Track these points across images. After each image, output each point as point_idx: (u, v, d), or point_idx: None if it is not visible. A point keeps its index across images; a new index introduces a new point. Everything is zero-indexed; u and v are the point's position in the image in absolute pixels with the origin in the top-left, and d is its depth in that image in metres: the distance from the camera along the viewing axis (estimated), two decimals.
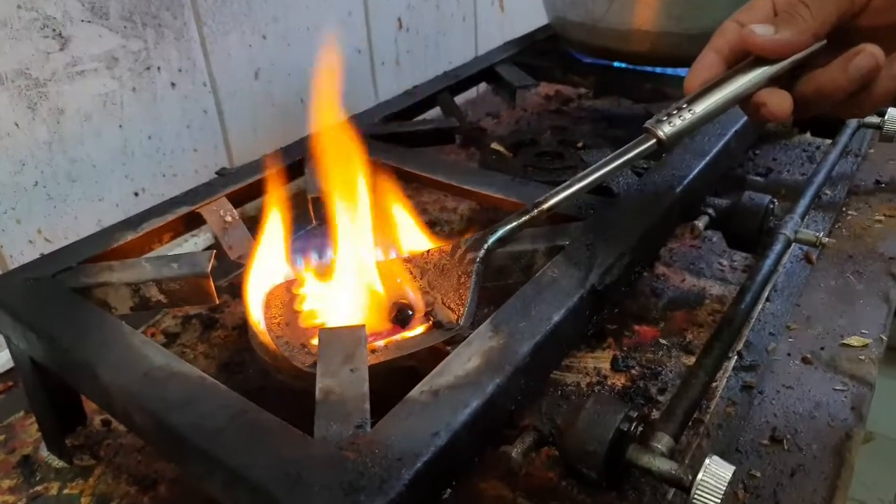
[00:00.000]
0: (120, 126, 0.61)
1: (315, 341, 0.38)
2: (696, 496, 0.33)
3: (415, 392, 0.32)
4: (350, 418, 0.31)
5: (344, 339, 0.35)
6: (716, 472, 0.33)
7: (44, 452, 0.47)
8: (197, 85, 0.66)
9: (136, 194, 0.64)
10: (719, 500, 0.33)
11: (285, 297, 0.42)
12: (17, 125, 0.54)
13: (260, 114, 0.72)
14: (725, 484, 0.33)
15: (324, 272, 0.42)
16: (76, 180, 0.59)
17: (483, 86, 0.90)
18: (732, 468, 0.33)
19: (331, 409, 0.31)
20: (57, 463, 0.46)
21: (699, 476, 0.33)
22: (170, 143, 0.65)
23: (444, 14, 0.93)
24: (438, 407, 0.31)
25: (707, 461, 0.33)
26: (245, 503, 0.29)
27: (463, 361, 0.33)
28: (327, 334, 0.36)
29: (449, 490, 0.31)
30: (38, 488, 0.44)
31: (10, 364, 0.56)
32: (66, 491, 0.44)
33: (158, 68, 0.62)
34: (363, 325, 0.36)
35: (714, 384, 0.48)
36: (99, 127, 0.59)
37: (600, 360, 0.50)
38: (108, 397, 0.34)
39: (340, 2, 0.78)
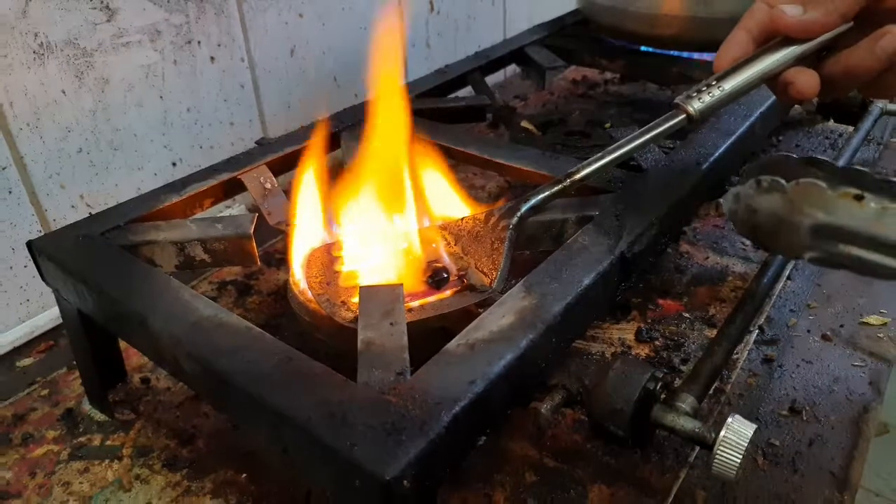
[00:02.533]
0: (161, 97, 0.63)
1: (355, 299, 0.40)
2: (718, 452, 0.34)
3: (452, 345, 0.33)
4: (391, 366, 0.32)
5: (383, 296, 0.37)
6: (738, 430, 0.34)
7: (86, 406, 0.49)
8: (235, 60, 0.68)
9: (174, 164, 0.65)
10: (741, 457, 0.34)
11: (326, 259, 0.44)
12: (64, 93, 0.56)
13: (294, 90, 0.74)
14: (747, 441, 0.34)
15: (363, 236, 0.44)
16: (118, 149, 0.61)
17: (511, 70, 0.91)
18: (754, 426, 0.34)
19: (372, 358, 0.33)
20: (99, 416, 0.48)
21: (722, 433, 0.34)
22: (207, 115, 0.67)
23: None
24: (475, 358, 0.32)
25: (729, 419, 0.35)
26: (291, 444, 0.31)
27: (497, 318, 0.35)
28: (367, 291, 0.38)
29: (483, 438, 0.32)
30: (82, 439, 0.47)
31: (52, 324, 0.58)
32: (108, 443, 0.46)
33: (199, 42, 0.64)
34: (401, 284, 0.38)
35: (736, 356, 0.49)
36: (141, 97, 0.61)
37: (625, 332, 0.52)
38: (158, 346, 0.36)
39: None
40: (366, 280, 0.41)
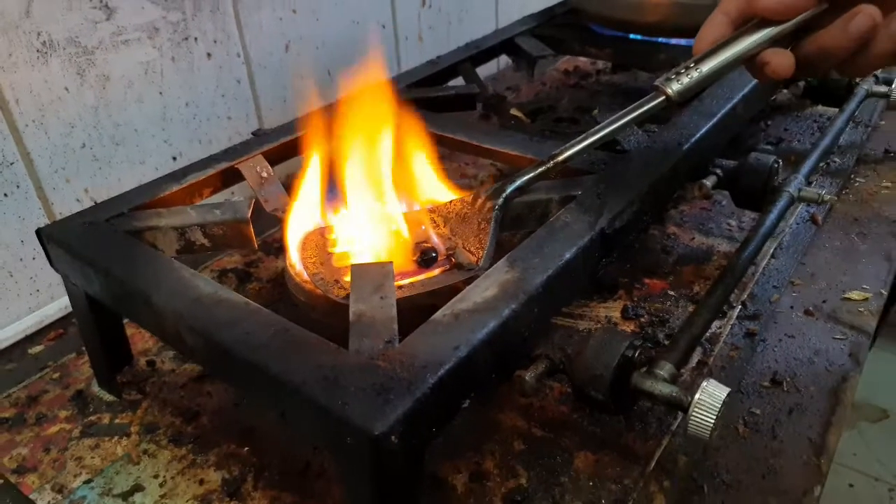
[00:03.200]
0: (160, 93, 0.65)
1: (347, 278, 0.42)
2: (693, 414, 0.36)
3: (437, 315, 0.35)
4: (380, 335, 0.34)
5: (374, 273, 0.39)
6: (712, 392, 0.36)
7: (95, 388, 0.51)
8: (231, 56, 0.69)
9: (174, 158, 0.67)
10: (714, 418, 0.36)
11: (319, 242, 0.45)
12: (67, 90, 0.58)
13: (289, 84, 0.76)
14: (721, 402, 0.36)
15: (354, 220, 0.46)
16: (120, 143, 0.63)
17: (503, 62, 0.93)
18: (728, 389, 0.36)
19: (363, 328, 0.35)
20: (107, 397, 0.50)
21: (696, 396, 0.36)
22: (205, 110, 0.69)
23: None
24: (459, 326, 0.34)
25: (704, 383, 0.36)
26: (288, 407, 0.33)
27: (481, 290, 0.37)
28: (359, 268, 0.39)
29: (467, 401, 0.34)
30: (92, 418, 0.49)
31: (61, 313, 0.61)
32: (116, 421, 0.48)
33: (196, 39, 0.66)
34: (391, 262, 0.40)
35: (719, 331, 0.51)
36: (141, 93, 0.63)
37: (611, 310, 0.54)
38: (161, 321, 0.38)
39: None
40: (358, 260, 0.43)
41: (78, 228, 0.44)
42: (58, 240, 0.44)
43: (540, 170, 0.45)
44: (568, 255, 0.39)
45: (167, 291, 0.38)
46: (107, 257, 0.41)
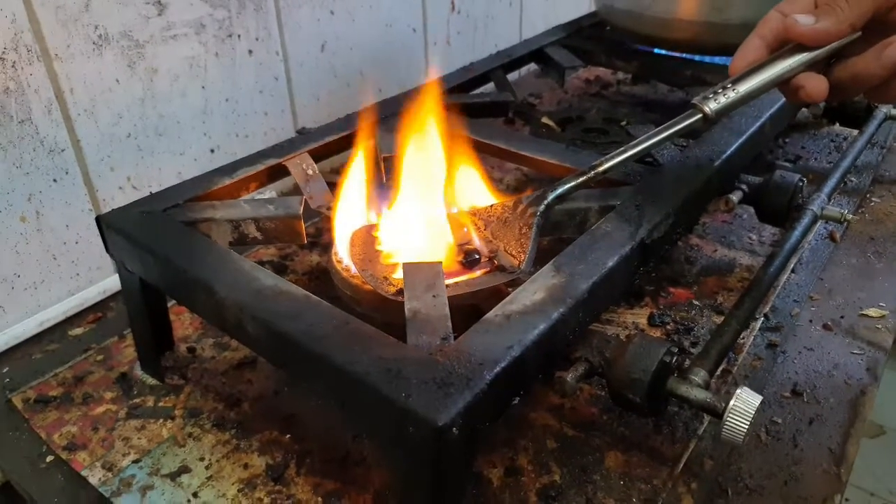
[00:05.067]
0: (203, 87, 0.66)
1: (396, 275, 0.44)
2: (728, 419, 0.38)
3: (489, 315, 0.37)
4: (436, 332, 0.36)
5: (425, 272, 0.41)
6: (746, 399, 0.38)
7: (138, 371, 0.53)
8: (271, 53, 0.71)
9: (212, 151, 0.69)
10: (748, 424, 0.38)
11: (367, 239, 0.47)
12: (117, 81, 0.60)
13: (324, 83, 0.78)
14: (754, 409, 0.38)
15: (401, 219, 0.48)
16: (162, 134, 0.65)
17: (525, 68, 0.95)
18: (760, 397, 0.38)
19: (419, 324, 0.37)
20: (150, 381, 0.52)
21: (731, 402, 0.38)
22: (244, 105, 0.70)
23: None
24: (511, 327, 0.36)
25: (738, 390, 0.38)
26: (349, 397, 0.35)
27: (530, 294, 0.38)
28: (410, 267, 0.41)
29: (517, 398, 0.36)
30: (137, 400, 0.50)
31: (100, 297, 0.62)
32: (160, 404, 0.50)
33: (239, 36, 0.68)
34: (440, 262, 0.42)
35: (742, 341, 0.53)
36: (185, 87, 0.65)
37: (638, 317, 0.56)
38: (222, 311, 0.40)
39: None
40: (405, 259, 0.45)
41: (136, 217, 0.46)
42: (117, 227, 0.46)
43: (581, 179, 0.47)
44: (610, 263, 0.41)
45: (229, 282, 0.40)
46: (167, 246, 0.43)
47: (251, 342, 0.39)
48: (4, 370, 0.55)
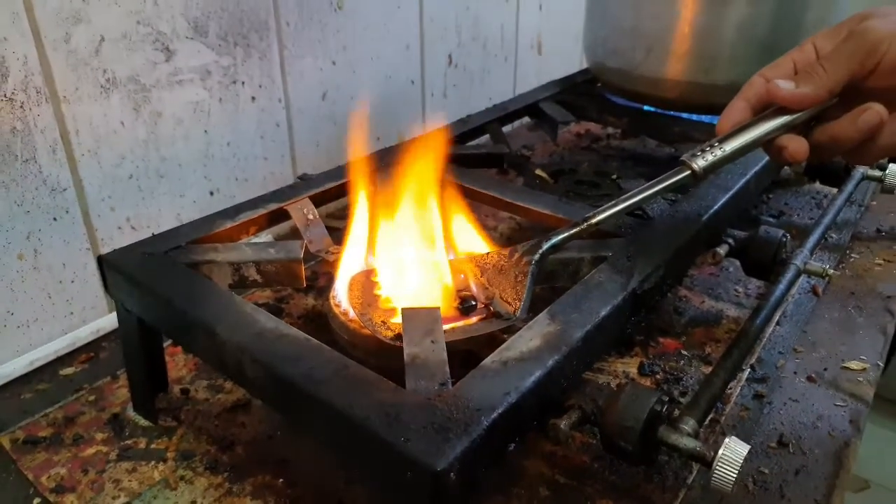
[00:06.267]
0: (205, 131, 0.68)
1: (394, 320, 0.45)
2: (717, 468, 0.39)
3: (487, 361, 0.38)
4: (435, 377, 0.37)
5: (423, 317, 0.42)
6: (734, 449, 0.39)
7: (130, 413, 0.53)
8: (273, 100, 0.73)
9: (212, 193, 0.70)
10: (736, 473, 0.38)
11: (365, 284, 0.48)
12: (122, 124, 0.61)
13: (323, 131, 0.80)
14: (742, 458, 0.38)
15: (399, 265, 0.49)
16: (164, 176, 0.66)
17: (518, 120, 0.98)
18: (748, 446, 0.39)
19: (417, 369, 0.37)
20: (143, 422, 0.52)
21: (720, 451, 0.39)
22: (245, 150, 0.72)
23: (489, 54, 1.02)
24: (508, 374, 0.37)
25: (727, 440, 0.39)
26: (348, 441, 0.35)
27: (526, 341, 0.39)
28: (409, 312, 0.42)
29: (513, 444, 0.37)
30: (128, 442, 0.50)
31: (92, 337, 0.62)
32: (153, 446, 0.50)
33: (243, 83, 0.70)
34: (438, 308, 0.43)
35: (729, 391, 0.54)
36: (188, 131, 0.66)
37: (628, 366, 0.57)
38: (222, 352, 0.40)
39: (400, 36, 0.86)
40: (403, 304, 0.46)
41: (138, 258, 0.47)
42: (118, 268, 0.46)
43: (574, 230, 0.48)
44: (603, 312, 0.42)
45: (230, 324, 0.40)
46: (168, 288, 0.44)
47: (250, 385, 0.40)
48: None
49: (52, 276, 0.59)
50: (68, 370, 0.59)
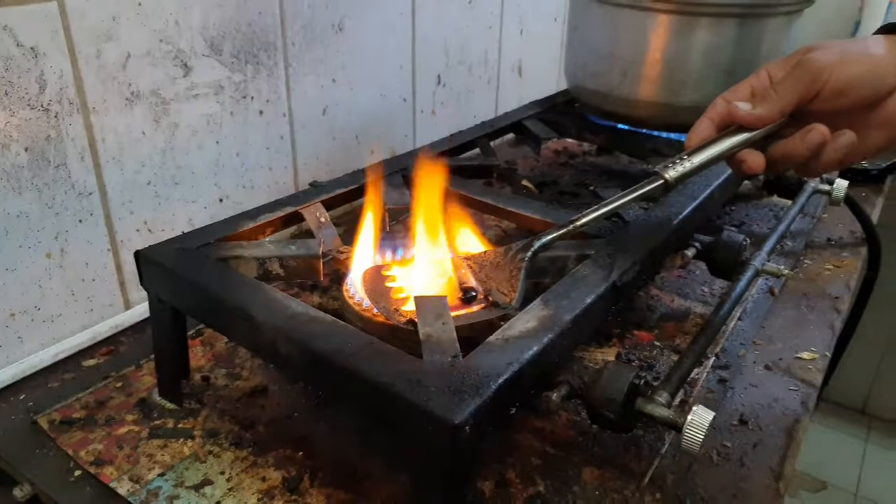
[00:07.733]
0: (217, 142, 0.73)
1: (406, 308, 0.50)
2: (686, 432, 0.45)
3: (492, 338, 0.44)
4: (447, 351, 0.43)
5: (433, 303, 0.48)
6: (701, 415, 0.45)
7: (156, 397, 0.58)
8: (278, 115, 0.79)
9: (221, 200, 0.76)
10: (703, 436, 0.45)
11: (376, 277, 0.54)
12: (143, 133, 0.66)
13: (322, 144, 0.86)
14: (708, 423, 0.45)
15: (408, 261, 0.55)
16: (178, 183, 0.71)
17: (501, 137, 1.05)
18: (713, 413, 0.46)
19: (432, 345, 0.43)
20: (169, 405, 0.57)
21: (689, 417, 0.45)
22: (252, 160, 0.77)
23: (474, 76, 1.09)
24: (510, 348, 0.43)
25: (694, 408, 0.46)
26: (376, 405, 0.41)
27: (524, 322, 0.46)
28: (421, 299, 0.48)
29: (514, 409, 0.43)
30: (157, 422, 0.55)
31: (111, 332, 0.67)
32: (180, 425, 0.55)
33: (252, 98, 0.75)
34: (446, 296, 0.49)
35: (697, 376, 0.61)
36: (202, 141, 0.72)
37: (607, 355, 0.63)
38: (257, 333, 0.46)
39: (394, 58, 0.93)
40: (412, 294, 0.52)
41: (174, 253, 0.52)
42: (155, 261, 0.51)
43: (562, 231, 0.55)
44: (589, 300, 0.49)
45: (264, 309, 0.46)
46: (205, 278, 0.49)
47: (283, 361, 0.45)
48: (22, 396, 0.58)
49: (75, 275, 0.64)
50: (91, 361, 0.63)
